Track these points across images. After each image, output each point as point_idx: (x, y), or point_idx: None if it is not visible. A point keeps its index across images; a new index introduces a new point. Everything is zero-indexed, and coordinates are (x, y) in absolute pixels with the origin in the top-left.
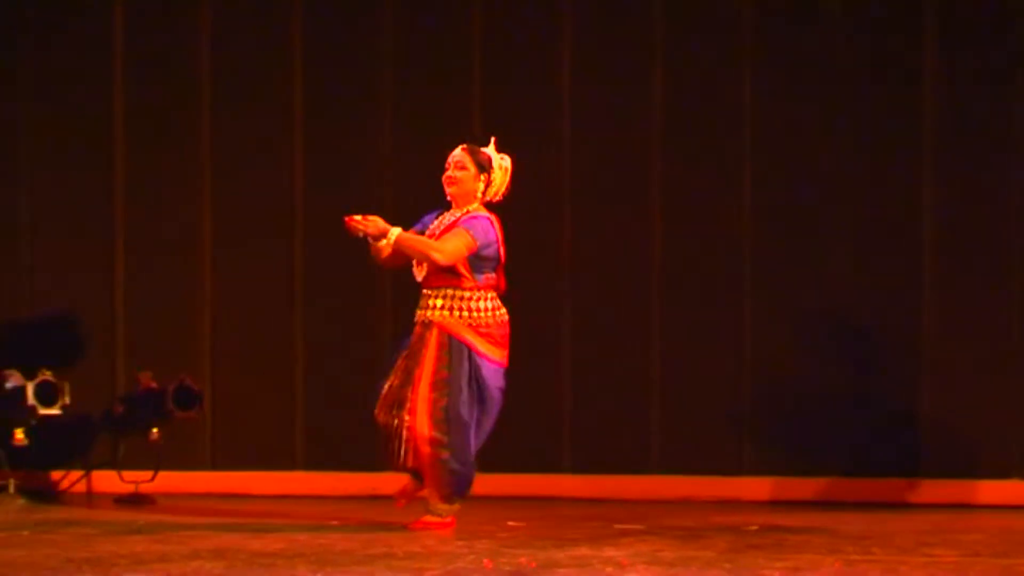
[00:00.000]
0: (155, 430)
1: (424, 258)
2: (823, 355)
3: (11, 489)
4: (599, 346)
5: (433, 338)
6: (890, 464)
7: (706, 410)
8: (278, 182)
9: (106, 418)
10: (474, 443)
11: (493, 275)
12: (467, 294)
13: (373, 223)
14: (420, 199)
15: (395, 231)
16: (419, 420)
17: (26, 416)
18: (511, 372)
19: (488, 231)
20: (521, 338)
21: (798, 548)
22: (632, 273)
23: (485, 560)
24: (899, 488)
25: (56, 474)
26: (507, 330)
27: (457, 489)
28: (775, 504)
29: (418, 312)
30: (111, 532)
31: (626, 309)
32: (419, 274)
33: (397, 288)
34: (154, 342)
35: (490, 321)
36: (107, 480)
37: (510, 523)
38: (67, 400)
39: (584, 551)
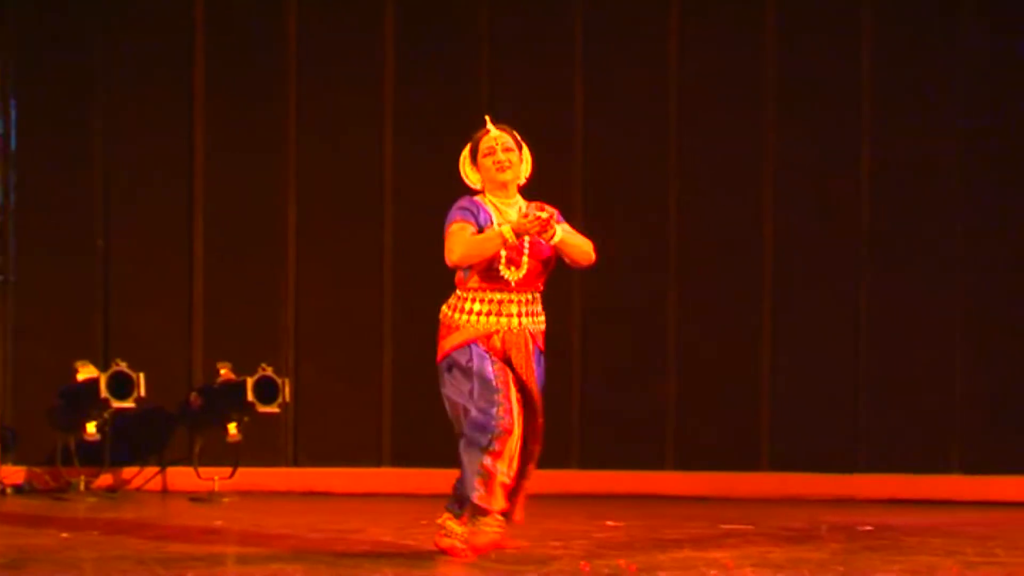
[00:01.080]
0: (234, 424)
1: (584, 258)
2: (937, 348)
3: (81, 487)
4: (706, 341)
5: (530, 344)
6: (1011, 461)
7: (818, 406)
8: (365, 169)
9: (183, 412)
10: None
11: None
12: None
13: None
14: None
15: (559, 227)
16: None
17: (98, 409)
18: (618, 368)
19: None
20: (625, 335)
21: (914, 550)
22: (742, 268)
23: (582, 562)
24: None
25: (129, 471)
26: None
27: None
28: (891, 503)
29: (515, 320)
30: (186, 533)
31: (735, 304)
32: (513, 275)
33: None
34: (234, 332)
35: None
36: (183, 477)
37: (608, 523)
38: (142, 392)
39: (687, 553)
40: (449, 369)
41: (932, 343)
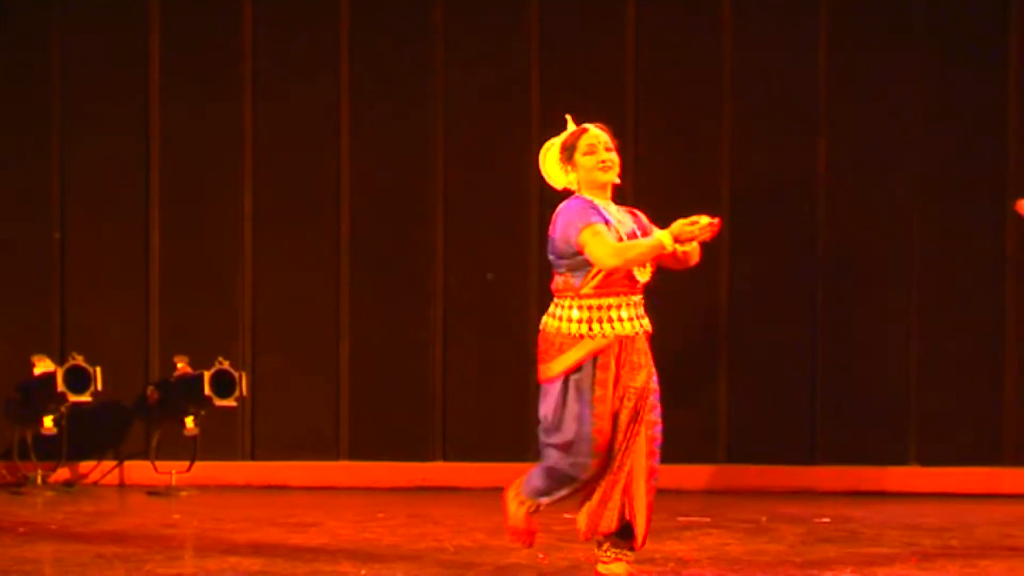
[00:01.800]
0: (191, 418)
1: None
2: (893, 341)
3: (39, 481)
4: (665, 335)
5: (648, 350)
6: (968, 453)
7: (776, 397)
8: (322, 162)
9: (140, 405)
10: None
11: None
12: None
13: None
14: (474, 180)
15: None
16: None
17: (55, 403)
18: None
19: None
20: None
21: (872, 541)
22: (700, 264)
23: (540, 555)
24: (981, 477)
25: (86, 465)
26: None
27: None
28: (849, 495)
29: (635, 323)
30: (143, 527)
31: (694, 298)
32: (643, 277)
33: (448, 270)
34: (191, 326)
35: None
36: (140, 471)
37: (567, 515)
38: (99, 386)
39: (646, 545)
40: (564, 389)
41: (888, 336)
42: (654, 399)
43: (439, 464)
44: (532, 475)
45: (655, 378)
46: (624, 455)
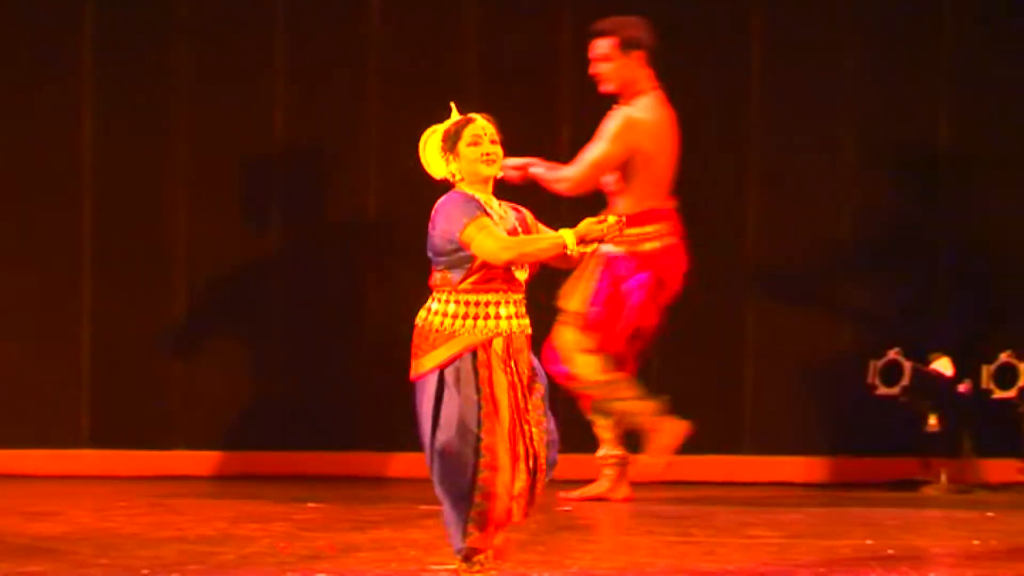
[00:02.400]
0: None
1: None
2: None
3: None
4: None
5: (528, 348)
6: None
7: None
8: (64, 139)
9: None
10: None
11: None
12: None
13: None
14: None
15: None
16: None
17: None
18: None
19: None
20: None
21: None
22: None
23: (280, 544)
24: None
25: None
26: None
27: None
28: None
29: (514, 322)
30: None
31: None
32: (522, 276)
33: (192, 258)
34: None
35: None
36: None
37: (310, 504)
38: None
39: (386, 533)
40: (440, 385)
41: None
42: (538, 398)
43: (180, 452)
44: (448, 531)
45: (542, 375)
46: (515, 446)
